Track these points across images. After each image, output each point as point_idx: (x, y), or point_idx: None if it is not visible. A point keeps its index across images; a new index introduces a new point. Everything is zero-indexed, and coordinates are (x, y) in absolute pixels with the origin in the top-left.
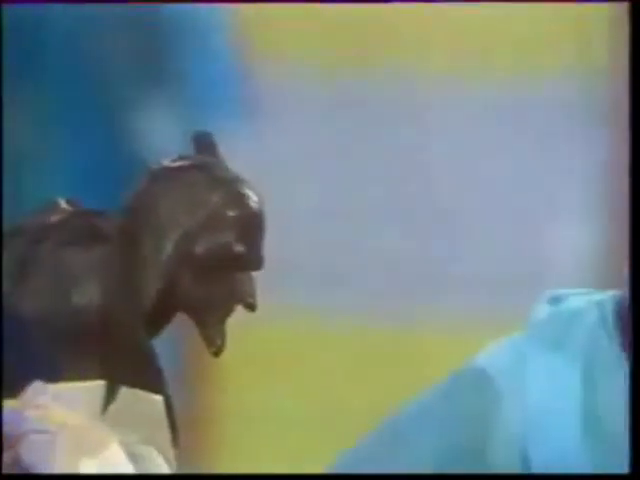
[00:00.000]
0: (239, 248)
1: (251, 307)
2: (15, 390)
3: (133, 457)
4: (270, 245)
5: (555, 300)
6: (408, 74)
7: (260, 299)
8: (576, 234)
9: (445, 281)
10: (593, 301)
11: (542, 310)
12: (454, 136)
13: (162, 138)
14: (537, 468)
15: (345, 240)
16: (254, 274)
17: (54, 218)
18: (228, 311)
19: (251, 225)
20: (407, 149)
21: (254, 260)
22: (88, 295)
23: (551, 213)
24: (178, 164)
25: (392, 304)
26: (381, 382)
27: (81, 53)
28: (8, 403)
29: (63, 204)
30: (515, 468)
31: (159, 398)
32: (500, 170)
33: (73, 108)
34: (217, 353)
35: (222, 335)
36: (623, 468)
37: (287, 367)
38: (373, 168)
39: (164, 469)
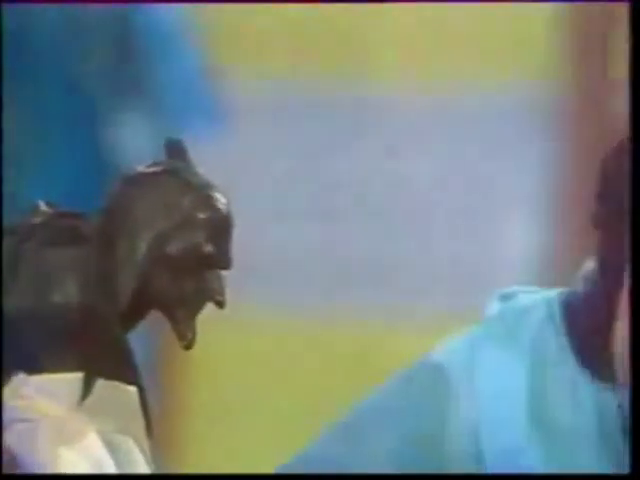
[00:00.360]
0: (209, 249)
1: (220, 304)
2: (4, 382)
3: (110, 446)
4: (237, 246)
5: (506, 297)
6: (371, 81)
7: (229, 297)
8: (526, 235)
9: (404, 280)
10: (541, 299)
11: (494, 307)
12: (413, 141)
13: (136, 144)
14: (489, 458)
15: (311, 242)
16: (223, 273)
17: (35, 220)
18: (198, 308)
19: (220, 227)
20: (370, 153)
21: (223, 260)
22: (68, 293)
23: (503, 215)
24: (152, 169)
25: (356, 302)
26: (346, 376)
27: (60, 64)
28: None
29: (43, 207)
30: (469, 458)
31: (133, 389)
32: (455, 173)
33: (51, 117)
34: (188, 347)
35: (193, 330)
36: (571, 457)
37: (257, 362)
38: (338, 171)
39: (139, 457)
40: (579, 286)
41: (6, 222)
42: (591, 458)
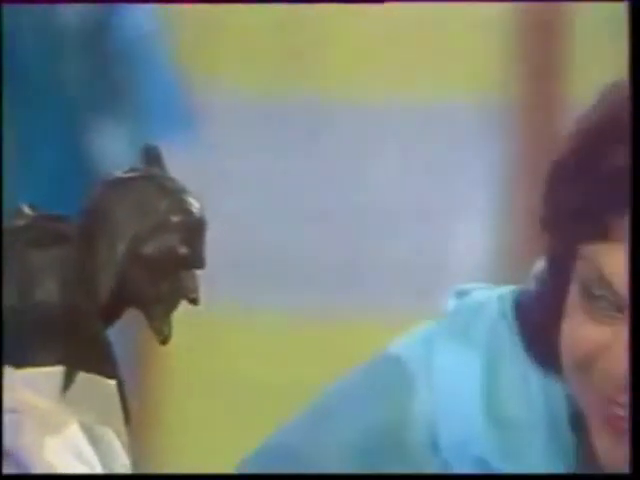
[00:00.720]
0: (183, 250)
1: (194, 302)
2: None
3: (91, 436)
4: (210, 246)
5: (461, 294)
6: (334, 92)
7: (203, 295)
8: (481, 237)
9: (365, 276)
10: (495, 295)
11: (450, 303)
12: (378, 152)
13: (115, 151)
14: (446, 448)
15: (276, 241)
16: (197, 272)
17: (19, 222)
18: (174, 305)
19: (193, 229)
20: (335, 157)
21: (197, 260)
22: (50, 291)
23: (458, 216)
24: (129, 175)
25: (324, 299)
26: (310, 367)
27: (40, 73)
28: None
29: (26, 210)
30: (427, 448)
31: (113, 382)
32: (413, 177)
33: (32, 125)
34: (164, 342)
35: (168, 326)
36: (522, 448)
37: (227, 354)
38: (302, 176)
39: (118, 447)
40: (530, 284)
41: None
42: (540, 448)
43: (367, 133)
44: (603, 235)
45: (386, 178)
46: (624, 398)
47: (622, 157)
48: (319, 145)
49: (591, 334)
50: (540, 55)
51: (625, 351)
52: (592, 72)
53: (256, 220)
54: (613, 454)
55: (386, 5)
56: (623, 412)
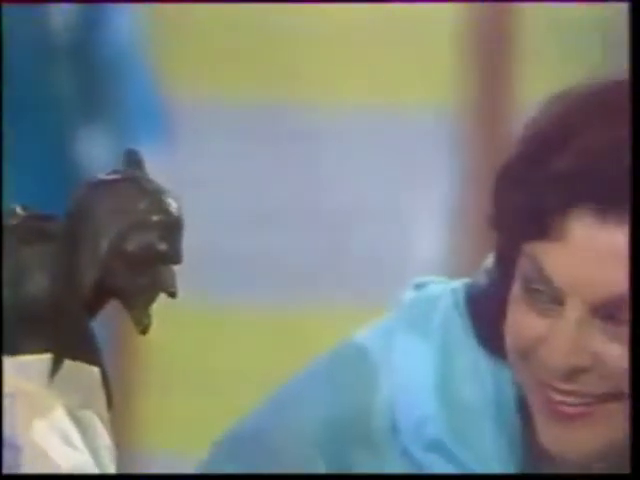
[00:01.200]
0: (162, 246)
1: (172, 294)
2: None
3: (75, 419)
4: (187, 245)
5: (418, 287)
6: (303, 102)
7: (180, 288)
8: (434, 234)
9: (329, 273)
10: (449, 288)
11: (407, 295)
12: (340, 154)
13: (98, 155)
14: (404, 431)
15: (246, 240)
16: (175, 267)
17: (12, 221)
18: (153, 298)
19: (172, 227)
20: (298, 161)
21: (174, 256)
22: (38, 285)
23: (413, 216)
24: (111, 177)
25: (287, 294)
26: (278, 357)
27: (30, 83)
28: None
29: (19, 210)
30: (388, 430)
31: (96, 369)
32: (374, 183)
33: (23, 131)
34: (144, 332)
35: (148, 317)
36: (471, 428)
37: (200, 345)
38: (273, 180)
39: (101, 430)
40: (480, 278)
41: None
42: (490, 430)
43: (329, 137)
44: (544, 235)
45: (348, 180)
46: (561, 385)
47: (564, 163)
48: (285, 148)
49: (531, 325)
50: (491, 62)
51: (561, 342)
52: (540, 78)
53: (228, 220)
54: (552, 436)
55: (349, 11)
56: (561, 397)
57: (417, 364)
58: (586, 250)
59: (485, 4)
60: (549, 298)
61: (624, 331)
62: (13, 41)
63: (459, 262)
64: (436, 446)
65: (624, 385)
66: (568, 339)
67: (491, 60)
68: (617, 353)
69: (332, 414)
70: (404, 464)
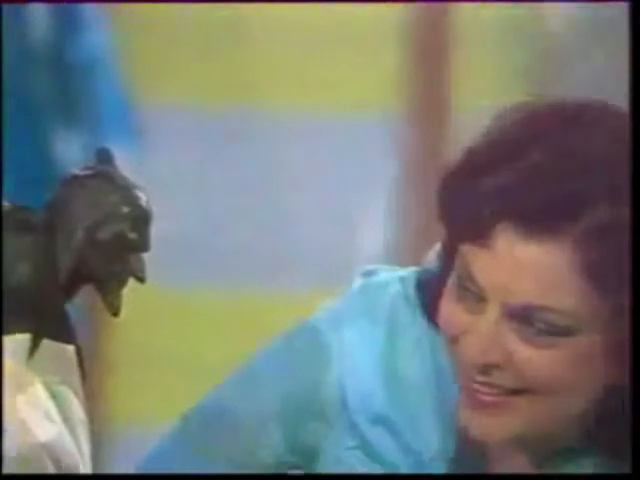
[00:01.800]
0: (132, 236)
1: (141, 280)
2: None
3: (53, 394)
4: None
5: (368, 274)
6: (264, 106)
7: (154, 274)
8: (380, 228)
9: (288, 262)
10: (397, 276)
11: (358, 282)
12: (297, 157)
13: (73, 153)
14: (352, 406)
15: (210, 232)
16: (144, 255)
17: None
18: (123, 283)
19: (141, 218)
20: (261, 166)
21: (143, 245)
22: (20, 271)
23: (364, 212)
24: (85, 173)
25: (250, 280)
26: (239, 337)
27: (8, 86)
28: None
29: (5, 203)
30: (338, 404)
31: (71, 348)
32: (326, 183)
33: (5, 132)
34: (116, 314)
35: (119, 300)
36: (414, 402)
37: (168, 326)
38: (235, 180)
39: (76, 404)
40: (432, 263)
41: None
42: (430, 404)
43: (285, 140)
44: (474, 240)
45: (304, 179)
46: (477, 376)
47: (497, 180)
48: (244, 150)
49: (457, 318)
50: (432, 67)
51: (478, 339)
52: (479, 84)
53: (193, 214)
54: (467, 419)
55: (303, 18)
56: (477, 386)
57: (365, 345)
58: (506, 261)
59: (425, 8)
60: (475, 297)
61: (536, 335)
62: None
63: (402, 253)
64: (381, 420)
65: (533, 383)
66: (485, 337)
67: (432, 65)
68: (527, 355)
69: (288, 389)
70: (352, 436)
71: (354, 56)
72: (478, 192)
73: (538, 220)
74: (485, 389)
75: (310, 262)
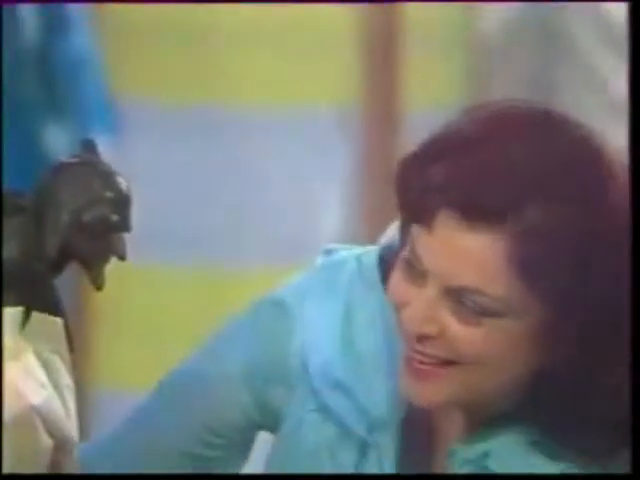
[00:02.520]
0: (114, 218)
1: (122, 258)
2: None
3: (43, 362)
4: (140, 217)
5: (328, 252)
6: (233, 103)
7: (135, 253)
8: (338, 212)
9: (261, 244)
10: (353, 255)
11: (319, 259)
12: (262, 148)
13: (60, 143)
14: (314, 372)
15: (188, 216)
16: (125, 235)
17: None
18: (106, 260)
19: (122, 202)
20: (228, 154)
21: (124, 226)
22: (11, 249)
23: (321, 199)
24: (71, 161)
25: (220, 258)
26: (212, 307)
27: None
28: None
29: None
30: (300, 372)
31: (59, 320)
32: (288, 170)
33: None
34: (99, 288)
35: (102, 276)
36: (369, 370)
37: (149, 300)
38: (204, 167)
39: (64, 370)
40: (393, 241)
41: None
42: (380, 372)
43: (252, 135)
44: (420, 223)
45: (267, 168)
46: (415, 345)
47: (444, 172)
48: (211, 141)
49: (402, 289)
50: (385, 67)
51: (416, 311)
52: (429, 83)
53: (172, 199)
54: (405, 385)
55: (265, 18)
56: (414, 355)
57: (324, 318)
58: (447, 246)
59: (379, 8)
60: (418, 272)
61: (467, 314)
62: None
63: (358, 233)
64: (338, 385)
65: (462, 355)
66: (422, 310)
67: (384, 64)
68: (457, 329)
69: (255, 356)
70: (313, 400)
71: (313, 57)
72: (427, 179)
73: (478, 213)
74: (420, 357)
75: (277, 242)
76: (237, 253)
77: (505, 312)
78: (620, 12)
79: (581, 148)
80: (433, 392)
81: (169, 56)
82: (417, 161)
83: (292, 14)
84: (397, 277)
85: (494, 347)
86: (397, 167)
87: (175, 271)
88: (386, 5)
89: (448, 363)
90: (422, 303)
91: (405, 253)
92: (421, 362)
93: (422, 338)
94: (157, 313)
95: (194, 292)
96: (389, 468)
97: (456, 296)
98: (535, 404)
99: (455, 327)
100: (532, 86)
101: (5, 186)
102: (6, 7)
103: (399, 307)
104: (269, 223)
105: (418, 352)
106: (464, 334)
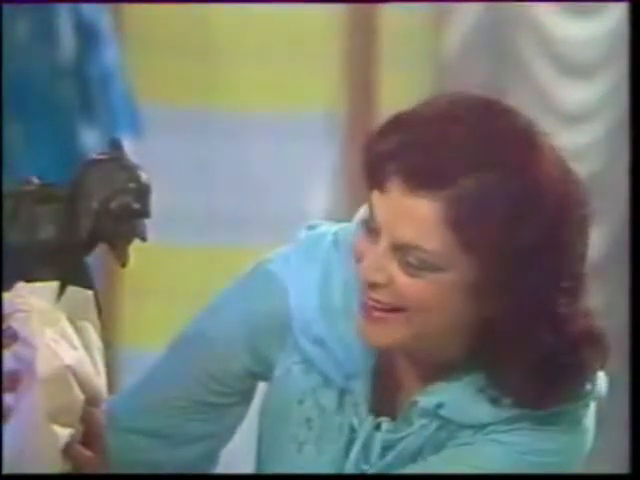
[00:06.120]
0: (136, 205)
1: (143, 239)
2: (9, 287)
3: (76, 327)
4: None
5: (311, 227)
6: (226, 107)
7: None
8: (323, 199)
9: (255, 227)
10: (332, 229)
11: (303, 233)
12: (257, 146)
13: (91, 141)
14: (297, 328)
15: (194, 203)
16: (146, 220)
17: (29, 188)
18: (130, 241)
19: (143, 192)
20: (227, 151)
21: (145, 212)
22: (48, 232)
23: (309, 187)
24: (100, 157)
25: (223, 237)
26: (217, 275)
27: (44, 91)
28: (5, 295)
29: (35, 180)
30: (286, 328)
31: (90, 292)
32: (281, 164)
33: (39, 126)
34: (124, 265)
35: (127, 255)
36: (345, 328)
37: (165, 271)
38: (210, 161)
39: (94, 335)
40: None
41: (6, 189)
42: (354, 326)
43: (247, 134)
44: (376, 187)
45: (262, 163)
46: (369, 292)
47: (395, 142)
48: (214, 140)
49: (361, 246)
50: (366, 72)
51: (369, 262)
52: (408, 80)
53: (182, 188)
54: (361, 329)
55: (258, 29)
56: (370, 302)
57: (305, 282)
58: (394, 206)
59: (362, 14)
60: (373, 230)
61: (410, 267)
62: (31, 60)
63: (340, 216)
64: (318, 342)
65: (407, 303)
66: (374, 261)
67: (367, 67)
68: (402, 280)
69: (249, 316)
70: (297, 353)
71: (300, 64)
72: (383, 149)
73: (420, 180)
74: (372, 303)
75: (270, 224)
76: (239, 233)
77: (443, 266)
78: (561, 27)
79: (514, 129)
80: (383, 334)
81: (184, 68)
82: (378, 135)
83: (280, 25)
84: (358, 236)
85: (435, 296)
86: (364, 142)
87: (186, 248)
88: (367, 12)
89: (396, 309)
90: (374, 255)
91: (365, 215)
92: (374, 308)
93: (373, 285)
94: (175, 284)
95: (206, 265)
96: (364, 412)
97: (401, 251)
98: (479, 352)
99: (401, 278)
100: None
101: (47, 179)
102: (45, 21)
103: (358, 260)
104: (266, 208)
105: (371, 299)
106: (408, 284)
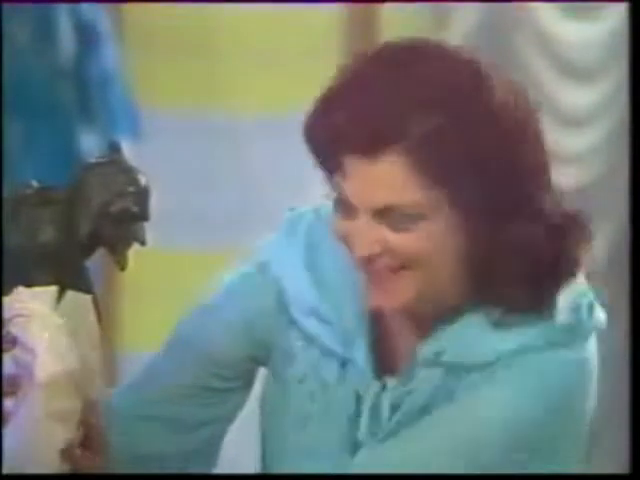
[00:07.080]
0: (135, 209)
1: (142, 243)
2: (8, 292)
3: (75, 331)
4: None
5: (291, 209)
6: (227, 108)
7: (156, 236)
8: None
9: (246, 225)
10: (312, 208)
11: (285, 215)
12: (259, 151)
13: (90, 144)
14: (290, 305)
15: (193, 203)
16: (145, 224)
17: (28, 191)
18: (129, 245)
19: (142, 195)
20: (225, 152)
21: (144, 216)
22: (48, 235)
23: (295, 185)
24: (100, 160)
25: (213, 238)
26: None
27: (44, 93)
28: (4, 299)
29: (34, 183)
30: (281, 307)
31: (89, 296)
32: (277, 164)
33: (37, 129)
34: (123, 269)
35: (126, 259)
36: (338, 298)
37: (164, 275)
38: (210, 163)
39: (92, 338)
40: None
41: (6, 193)
42: (348, 298)
43: (242, 135)
44: (336, 172)
45: (265, 165)
46: (370, 266)
47: (342, 121)
48: (214, 141)
49: (337, 225)
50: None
51: (357, 238)
52: None
53: (182, 192)
54: (372, 297)
55: (256, 30)
56: (374, 273)
57: (288, 258)
58: (361, 181)
59: (360, 20)
60: (349, 209)
61: (397, 224)
62: (32, 63)
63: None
64: (313, 313)
65: (407, 259)
66: (361, 236)
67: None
68: (395, 238)
69: (245, 302)
70: (293, 328)
71: (301, 64)
72: (324, 134)
73: (375, 145)
74: (376, 273)
75: (271, 228)
76: (239, 237)
77: (426, 213)
78: (561, 29)
79: (460, 68)
80: (395, 297)
81: (183, 70)
82: (313, 123)
83: (279, 30)
84: (335, 217)
85: (430, 245)
86: (303, 125)
87: (183, 249)
88: (367, 12)
89: (399, 269)
90: (360, 230)
91: (336, 195)
92: (378, 277)
93: (371, 259)
94: (174, 288)
95: (206, 269)
96: (368, 376)
97: (384, 215)
98: (478, 292)
99: (392, 237)
100: None
101: (45, 182)
102: (45, 22)
103: (343, 241)
104: (263, 209)
105: (373, 270)
106: (402, 241)
